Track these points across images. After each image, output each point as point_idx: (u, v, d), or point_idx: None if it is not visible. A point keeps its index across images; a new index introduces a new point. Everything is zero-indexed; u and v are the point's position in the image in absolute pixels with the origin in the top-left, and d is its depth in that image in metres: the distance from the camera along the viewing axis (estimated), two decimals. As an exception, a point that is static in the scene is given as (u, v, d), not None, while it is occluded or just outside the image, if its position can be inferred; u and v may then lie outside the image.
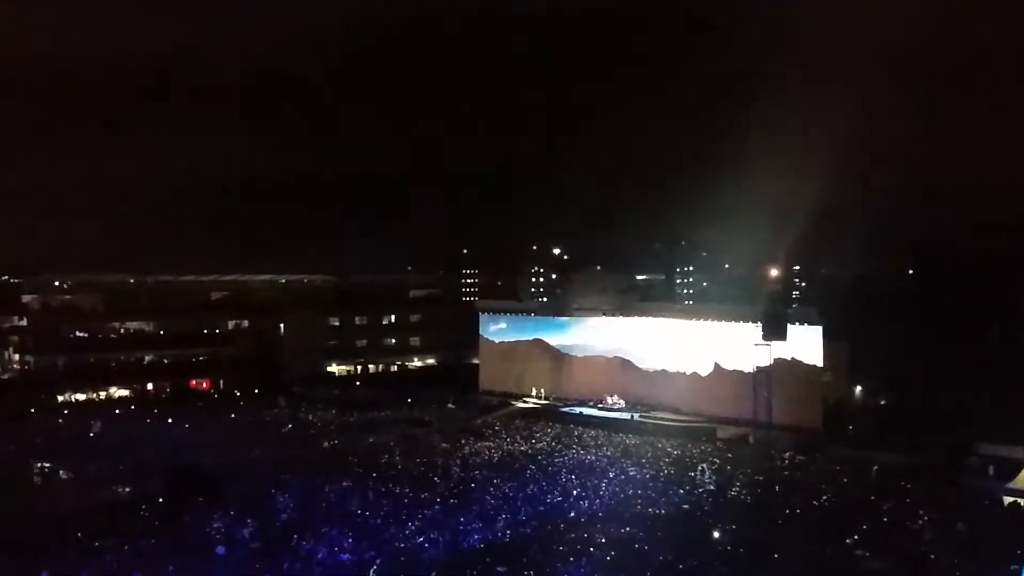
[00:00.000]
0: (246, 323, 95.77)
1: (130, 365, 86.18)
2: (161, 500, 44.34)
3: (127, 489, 47.50)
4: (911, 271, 71.05)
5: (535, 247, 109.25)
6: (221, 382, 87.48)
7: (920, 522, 39.46)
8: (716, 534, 37.97)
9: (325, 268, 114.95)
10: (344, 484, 46.78)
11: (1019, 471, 44.11)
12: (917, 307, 60.67)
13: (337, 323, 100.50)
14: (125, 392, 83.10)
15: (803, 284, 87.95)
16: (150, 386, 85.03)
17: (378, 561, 34.29)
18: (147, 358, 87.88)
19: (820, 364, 61.81)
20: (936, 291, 60.48)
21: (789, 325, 59.82)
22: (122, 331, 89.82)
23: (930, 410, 55.51)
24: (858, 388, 66.82)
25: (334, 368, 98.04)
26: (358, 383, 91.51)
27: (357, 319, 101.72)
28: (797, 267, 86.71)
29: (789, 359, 61.31)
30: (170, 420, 68.47)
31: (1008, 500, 42.95)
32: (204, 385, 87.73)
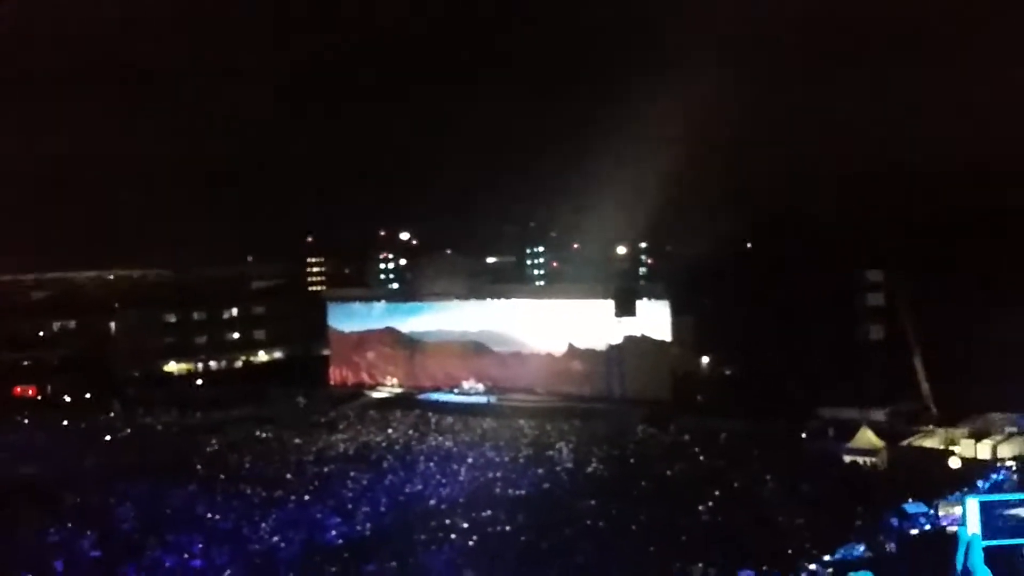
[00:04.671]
0: (73, 323, 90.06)
1: (-56, 374, 79.57)
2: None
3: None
4: (749, 244, 73.77)
5: (382, 232, 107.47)
6: (48, 387, 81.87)
7: (767, 486, 40.92)
8: (576, 511, 38.17)
9: (158, 262, 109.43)
10: (190, 488, 44.48)
11: (857, 431, 46.38)
12: (757, 279, 62.92)
13: (174, 319, 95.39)
14: (-60, 403, 76.59)
15: (650, 261, 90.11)
16: (-32, 395, 78.70)
17: (231, 566, 32.69)
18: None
19: (668, 338, 63.38)
20: (773, 263, 62.91)
21: (638, 301, 61.20)
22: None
23: (772, 378, 57.72)
24: (705, 360, 68.98)
25: (172, 367, 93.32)
26: (200, 382, 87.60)
27: (196, 314, 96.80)
28: (644, 244, 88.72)
29: (639, 335, 62.58)
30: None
31: (848, 459, 45.25)
32: (30, 392, 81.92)
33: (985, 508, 3.29)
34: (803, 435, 50.81)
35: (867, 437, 45.60)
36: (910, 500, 35.77)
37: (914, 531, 33.79)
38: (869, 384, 53.50)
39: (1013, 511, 3.30)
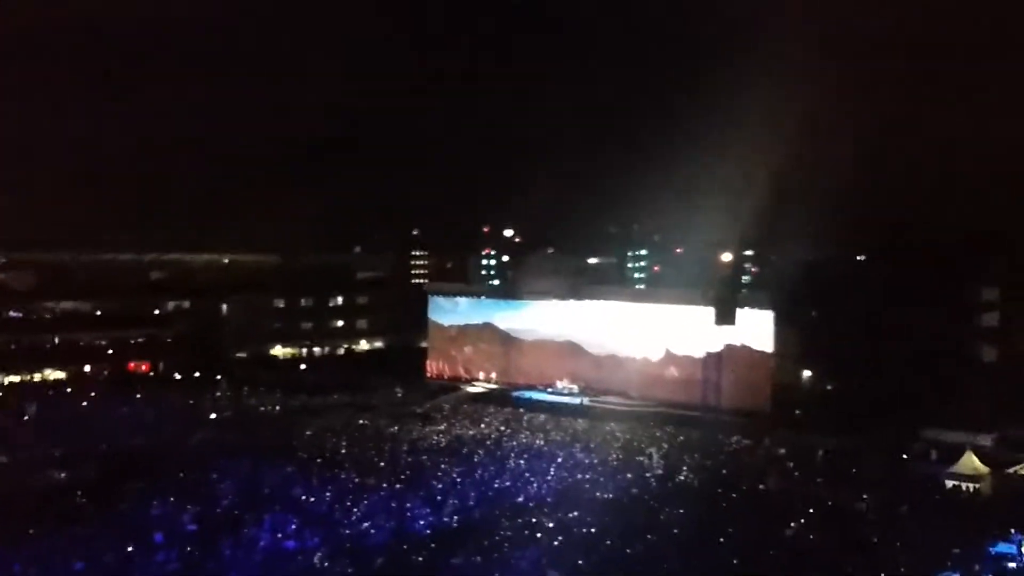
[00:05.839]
0: (187, 304, 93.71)
1: (66, 347, 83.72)
2: (98, 486, 43.05)
3: (63, 474, 46.06)
4: (860, 257, 71.84)
5: (486, 229, 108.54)
6: (161, 365, 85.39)
7: (863, 506, 39.89)
8: (663, 519, 37.89)
9: (269, 248, 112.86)
10: (288, 470, 45.85)
11: (961, 455, 44.72)
12: (867, 293, 61.32)
13: (282, 304, 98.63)
14: (61, 374, 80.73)
15: (754, 269, 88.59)
16: (87, 368, 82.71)
17: (323, 548, 33.60)
18: (84, 340, 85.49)
19: (770, 349, 62.19)
20: (886, 278, 61.18)
21: (739, 310, 60.30)
22: (57, 311, 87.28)
23: (877, 395, 56.18)
24: (806, 373, 67.44)
25: (278, 351, 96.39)
26: (303, 366, 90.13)
27: (303, 301, 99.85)
28: (749, 252, 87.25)
29: (739, 344, 61.65)
30: (107, 403, 66.50)
31: (950, 484, 43.67)
32: (143, 368, 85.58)
33: None
34: (904, 456, 49.27)
35: (971, 462, 43.90)
36: (1012, 532, 34.49)
37: (1012, 564, 32.59)
38: (978, 407, 51.52)
39: None
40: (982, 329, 57.58)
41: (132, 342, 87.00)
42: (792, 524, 37.04)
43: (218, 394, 70.87)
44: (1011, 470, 46.44)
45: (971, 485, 43.13)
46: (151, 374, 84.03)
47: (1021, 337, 53.11)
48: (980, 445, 47.92)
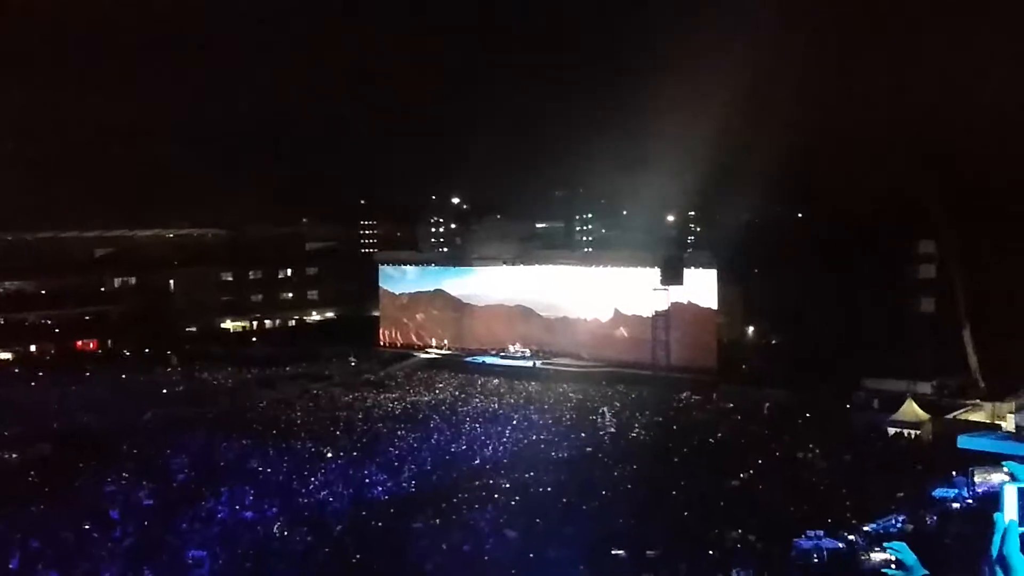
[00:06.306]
0: (133, 280, 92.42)
1: (10, 326, 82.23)
2: (51, 465, 42.74)
3: (14, 455, 45.56)
4: (800, 215, 73.21)
5: (434, 197, 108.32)
6: (109, 342, 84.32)
7: (810, 455, 41.11)
8: (617, 475, 38.74)
9: (216, 221, 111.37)
10: (243, 442, 45.90)
11: (902, 403, 46.19)
12: (806, 249, 62.65)
13: (230, 278, 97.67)
14: (6, 355, 79.37)
15: (698, 229, 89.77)
16: (33, 348, 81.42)
17: (281, 517, 33.84)
18: (29, 319, 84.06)
19: (715, 307, 63.38)
20: (823, 234, 62.54)
21: (685, 269, 61.29)
22: (1, 291, 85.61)
23: (820, 348, 57.61)
24: (751, 329, 68.86)
25: (228, 324, 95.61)
26: (254, 339, 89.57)
27: (251, 273, 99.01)
28: (692, 212, 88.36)
29: (686, 302, 62.71)
30: (56, 382, 65.72)
31: (891, 431, 45.15)
32: (91, 345, 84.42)
33: None
34: (847, 406, 50.70)
35: (912, 409, 45.35)
36: (954, 474, 35.77)
37: (956, 505, 33.84)
38: (917, 356, 53.03)
39: None
40: (920, 281, 59.08)
41: (79, 320, 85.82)
42: (741, 475, 38.09)
43: (168, 369, 70.37)
44: (950, 416, 48.10)
45: (912, 431, 44.59)
46: (99, 352, 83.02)
47: (956, 288, 54.63)
48: (920, 393, 49.50)
